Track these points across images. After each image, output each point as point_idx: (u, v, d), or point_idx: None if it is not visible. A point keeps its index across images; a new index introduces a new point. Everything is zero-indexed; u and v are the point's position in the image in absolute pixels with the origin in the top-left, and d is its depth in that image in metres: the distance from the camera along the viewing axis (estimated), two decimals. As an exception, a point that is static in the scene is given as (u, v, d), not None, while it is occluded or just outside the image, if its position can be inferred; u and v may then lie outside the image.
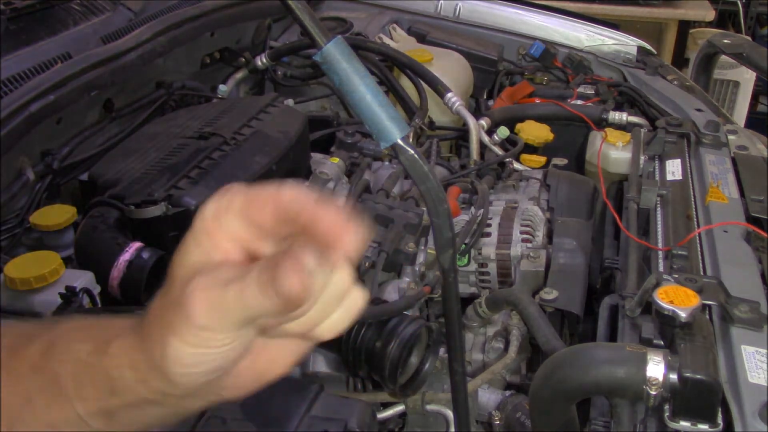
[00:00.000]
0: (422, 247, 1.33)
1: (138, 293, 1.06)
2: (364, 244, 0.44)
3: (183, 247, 0.48)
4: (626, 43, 2.08)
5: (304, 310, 0.45)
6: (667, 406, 0.78)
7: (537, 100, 1.95)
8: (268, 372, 0.52)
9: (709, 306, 0.94)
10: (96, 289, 1.04)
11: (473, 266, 1.36)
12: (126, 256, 1.06)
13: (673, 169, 1.38)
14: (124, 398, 0.49)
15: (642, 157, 1.49)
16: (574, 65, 2.09)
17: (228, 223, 0.46)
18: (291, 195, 0.44)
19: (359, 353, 1.04)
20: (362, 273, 1.20)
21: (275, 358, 0.52)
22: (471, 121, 1.68)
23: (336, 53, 0.42)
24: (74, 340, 0.52)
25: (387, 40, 2.05)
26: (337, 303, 0.48)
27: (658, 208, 1.26)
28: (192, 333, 0.44)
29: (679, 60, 3.30)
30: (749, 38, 3.37)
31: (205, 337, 0.45)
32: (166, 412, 0.51)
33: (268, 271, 0.42)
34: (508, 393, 1.14)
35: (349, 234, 0.43)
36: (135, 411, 0.50)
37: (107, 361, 0.49)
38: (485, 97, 2.11)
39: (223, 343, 0.45)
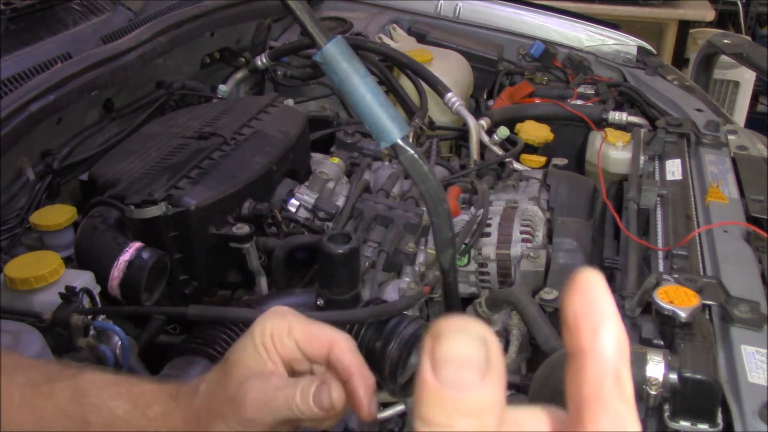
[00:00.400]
0: (422, 247, 1.33)
1: (138, 293, 1.06)
2: (374, 414, 0.58)
3: (241, 349, 0.59)
4: (626, 43, 2.08)
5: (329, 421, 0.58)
6: (667, 406, 0.79)
7: (537, 100, 1.95)
8: None
9: (709, 306, 0.94)
10: (96, 289, 1.04)
11: (473, 266, 1.36)
12: (126, 256, 1.06)
13: (673, 169, 1.38)
14: None
15: (642, 157, 1.49)
16: (574, 65, 2.09)
17: (286, 346, 0.58)
18: (344, 350, 0.58)
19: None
20: (362, 273, 1.20)
21: None
22: (471, 121, 1.68)
23: (336, 53, 0.42)
24: (110, 396, 0.59)
25: (387, 40, 2.05)
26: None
27: (658, 208, 1.26)
28: (239, 422, 0.55)
29: (679, 60, 3.30)
30: (749, 38, 3.37)
31: (247, 426, 0.56)
32: None
33: (313, 387, 0.55)
34: (508, 393, 1.14)
35: (370, 404, 0.58)
36: None
37: (145, 423, 0.58)
38: (485, 97, 2.11)
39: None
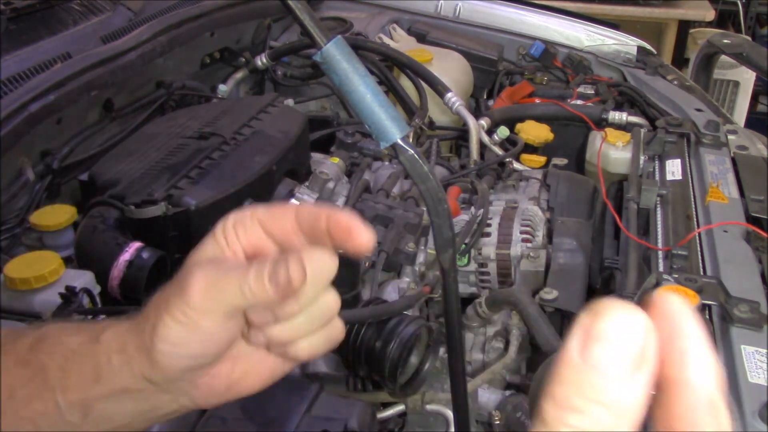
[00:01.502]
0: (422, 247, 1.33)
1: (138, 293, 1.06)
2: (374, 241, 0.49)
3: (199, 245, 0.52)
4: (626, 43, 2.08)
5: (291, 312, 0.49)
6: (667, 406, 0.78)
7: (537, 100, 1.95)
8: (241, 384, 0.54)
9: (709, 306, 0.94)
10: (96, 289, 1.04)
11: (473, 266, 1.36)
12: (126, 256, 1.06)
13: (673, 169, 1.38)
14: (105, 387, 0.51)
15: (642, 157, 1.49)
16: (574, 65, 2.09)
17: (247, 228, 0.51)
18: (308, 208, 0.50)
19: (359, 353, 1.04)
20: (362, 273, 1.20)
21: (251, 371, 0.54)
22: (471, 121, 1.68)
23: (336, 53, 0.42)
24: (65, 333, 0.54)
25: (387, 40, 2.05)
26: (321, 323, 0.52)
27: (658, 208, 1.26)
28: (184, 311, 0.48)
29: (679, 60, 3.29)
30: (749, 38, 3.37)
31: (195, 317, 0.48)
32: (141, 407, 0.53)
33: (269, 265, 0.47)
34: (508, 393, 1.14)
35: (362, 231, 0.48)
36: (113, 404, 0.52)
37: (97, 347, 0.52)
38: (485, 97, 2.11)
39: (211, 328, 0.48)
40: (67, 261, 1.08)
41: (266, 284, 0.47)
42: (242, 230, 0.51)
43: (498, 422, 1.08)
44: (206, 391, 0.53)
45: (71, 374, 0.52)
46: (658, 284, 0.92)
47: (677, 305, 0.28)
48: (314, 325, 0.52)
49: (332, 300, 0.52)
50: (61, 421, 0.52)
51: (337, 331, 0.54)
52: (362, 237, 0.48)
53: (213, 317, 0.48)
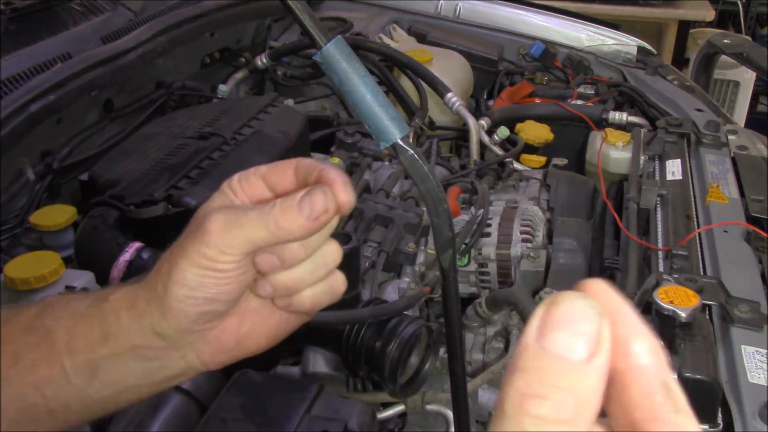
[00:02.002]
0: (422, 247, 1.33)
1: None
2: (355, 201, 0.51)
3: (208, 201, 0.54)
4: (626, 43, 2.08)
5: (298, 256, 0.52)
6: (667, 406, 0.78)
7: (537, 100, 1.95)
8: (248, 340, 0.55)
9: (709, 306, 0.94)
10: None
11: (473, 266, 1.36)
12: (126, 256, 1.06)
13: (673, 169, 1.38)
14: (113, 346, 0.52)
15: (642, 157, 1.49)
16: (574, 65, 2.09)
17: (251, 183, 0.54)
18: (306, 161, 0.53)
19: (359, 353, 1.04)
20: (362, 273, 1.20)
21: (258, 327, 0.56)
22: (471, 121, 1.68)
23: (336, 53, 0.42)
24: (73, 299, 0.55)
25: (387, 40, 2.05)
26: (325, 272, 0.55)
27: (658, 208, 1.26)
28: (203, 252, 0.49)
29: (679, 60, 3.30)
30: (749, 38, 3.37)
31: (213, 256, 0.49)
32: (148, 366, 0.53)
33: (299, 195, 0.49)
34: (508, 393, 1.14)
35: (345, 188, 0.50)
36: (120, 363, 0.52)
37: (106, 306, 0.53)
38: (485, 97, 2.11)
39: (228, 267, 0.50)
40: (67, 261, 1.08)
41: (296, 214, 0.48)
42: (247, 184, 0.54)
43: (498, 422, 1.08)
44: (215, 347, 0.54)
45: (78, 336, 0.52)
46: (658, 284, 0.92)
47: (607, 294, 0.28)
48: (318, 274, 0.54)
49: (335, 249, 0.55)
50: (67, 386, 0.52)
51: (338, 282, 0.57)
52: (343, 193, 0.50)
53: (231, 256, 0.49)
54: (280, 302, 0.55)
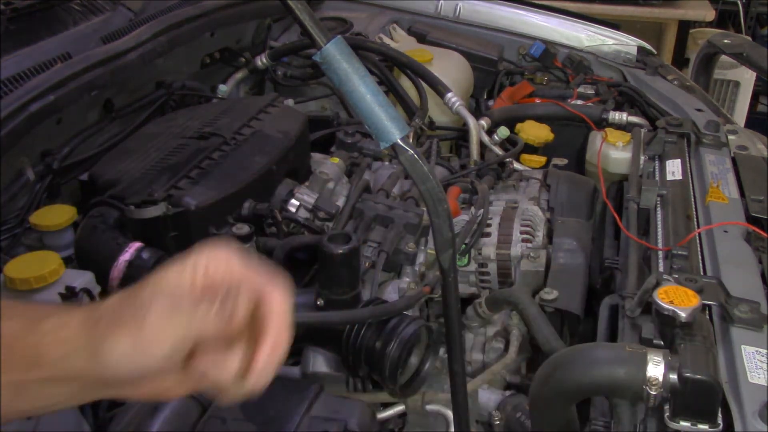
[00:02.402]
0: (422, 247, 1.33)
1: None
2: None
3: (165, 271, 0.55)
4: (626, 43, 2.08)
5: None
6: (667, 406, 0.78)
7: (537, 100, 1.95)
8: (162, 395, 0.59)
9: (709, 306, 0.94)
10: (96, 289, 1.04)
11: (473, 266, 1.36)
12: (126, 256, 1.06)
13: (673, 169, 1.38)
14: (43, 372, 0.54)
15: (642, 157, 1.49)
16: (574, 65, 2.09)
17: (216, 269, 0.55)
18: (272, 311, 0.56)
19: (359, 353, 1.04)
20: (362, 273, 1.20)
21: (172, 388, 0.59)
22: (471, 121, 1.68)
23: (336, 53, 0.42)
24: (6, 316, 0.56)
25: (387, 40, 2.05)
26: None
27: (658, 208, 1.26)
28: (138, 336, 0.52)
29: (679, 60, 3.29)
30: (749, 38, 3.37)
31: (146, 345, 0.52)
32: (74, 392, 0.56)
33: (217, 301, 0.53)
34: (508, 393, 1.14)
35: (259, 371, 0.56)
36: (48, 387, 0.55)
37: (38, 332, 0.55)
38: (485, 97, 2.11)
39: (158, 354, 0.53)
40: (67, 261, 1.08)
41: (214, 316, 0.53)
42: (212, 266, 0.55)
43: (498, 422, 1.08)
44: (131, 391, 0.58)
45: (14, 353, 0.54)
46: (658, 284, 0.92)
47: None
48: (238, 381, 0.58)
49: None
50: None
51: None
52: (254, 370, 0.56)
53: (162, 346, 0.53)
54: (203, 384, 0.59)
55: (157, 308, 0.53)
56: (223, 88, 1.81)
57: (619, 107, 1.84)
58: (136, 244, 1.08)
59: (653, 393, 0.77)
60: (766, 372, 0.82)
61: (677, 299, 0.86)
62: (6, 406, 0.54)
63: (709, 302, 0.93)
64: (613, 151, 1.63)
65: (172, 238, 1.14)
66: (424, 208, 1.33)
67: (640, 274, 1.11)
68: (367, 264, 1.21)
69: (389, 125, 0.43)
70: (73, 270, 1.06)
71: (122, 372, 0.54)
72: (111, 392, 0.58)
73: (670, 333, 0.86)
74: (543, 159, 1.66)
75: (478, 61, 2.05)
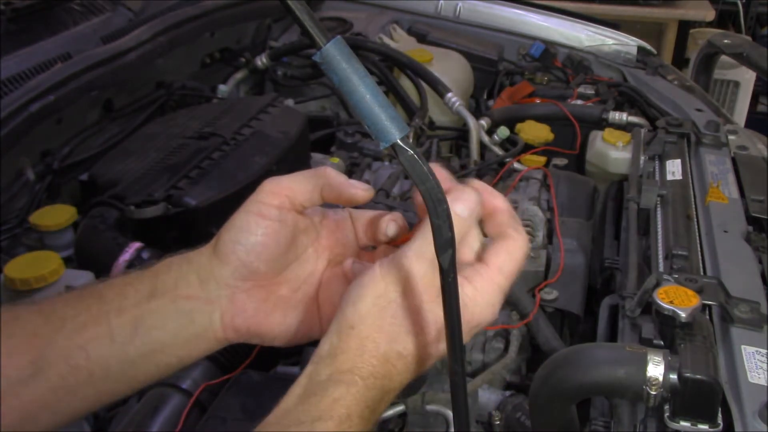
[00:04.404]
0: (422, 247, 1.33)
1: (138, 293, 1.06)
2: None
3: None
4: (626, 43, 2.08)
5: None
6: (667, 406, 0.78)
7: (537, 100, 1.94)
8: (265, 325, 0.61)
9: (709, 306, 0.94)
10: (96, 289, 1.04)
11: (473, 266, 1.36)
12: (126, 256, 1.06)
13: (673, 169, 1.38)
14: (158, 299, 0.58)
15: (642, 157, 1.49)
16: (574, 65, 2.09)
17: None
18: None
19: (359, 353, 1.03)
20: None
21: (279, 316, 0.61)
22: (471, 121, 1.68)
23: (335, 53, 0.42)
24: (124, 273, 0.62)
25: (387, 40, 2.05)
26: None
27: (658, 208, 1.26)
28: (253, 199, 0.61)
29: (679, 60, 3.29)
30: (749, 38, 3.37)
31: (260, 200, 0.60)
32: (182, 321, 0.59)
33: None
34: (508, 393, 1.14)
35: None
36: (159, 318, 0.58)
37: (159, 264, 0.60)
38: (485, 97, 2.11)
39: (271, 213, 0.59)
40: (67, 261, 1.08)
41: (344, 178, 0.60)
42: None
43: (498, 422, 1.08)
44: (237, 311, 0.60)
45: (128, 294, 0.58)
46: (658, 284, 0.92)
47: (486, 188, 0.59)
48: None
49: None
50: (111, 345, 0.56)
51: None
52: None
53: (277, 201, 0.59)
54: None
55: (269, 179, 0.62)
56: (223, 88, 1.81)
57: (619, 107, 1.84)
58: (136, 244, 1.08)
59: (653, 393, 0.77)
60: (766, 372, 0.82)
61: (677, 299, 0.86)
62: (125, 350, 0.57)
63: (709, 302, 0.93)
64: (613, 151, 1.63)
65: (172, 238, 1.14)
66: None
67: (640, 274, 1.11)
68: (367, 264, 1.21)
69: (389, 125, 0.43)
70: (73, 270, 1.06)
71: (242, 249, 0.59)
72: (216, 314, 0.60)
73: (670, 333, 0.86)
74: (543, 159, 1.66)
75: (478, 61, 2.05)
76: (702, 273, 1.05)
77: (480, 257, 0.58)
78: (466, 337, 0.54)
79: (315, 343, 0.55)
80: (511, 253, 0.58)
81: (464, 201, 0.56)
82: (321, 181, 0.60)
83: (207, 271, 0.59)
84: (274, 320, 0.61)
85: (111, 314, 0.57)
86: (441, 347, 0.54)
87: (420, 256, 0.53)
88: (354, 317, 0.52)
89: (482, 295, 0.55)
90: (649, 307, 0.94)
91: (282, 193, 0.60)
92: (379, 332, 0.52)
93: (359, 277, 0.55)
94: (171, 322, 0.58)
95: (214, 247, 0.60)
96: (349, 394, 0.49)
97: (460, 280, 0.52)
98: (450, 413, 1.04)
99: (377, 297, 0.53)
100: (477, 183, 0.59)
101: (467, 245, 0.58)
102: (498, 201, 0.59)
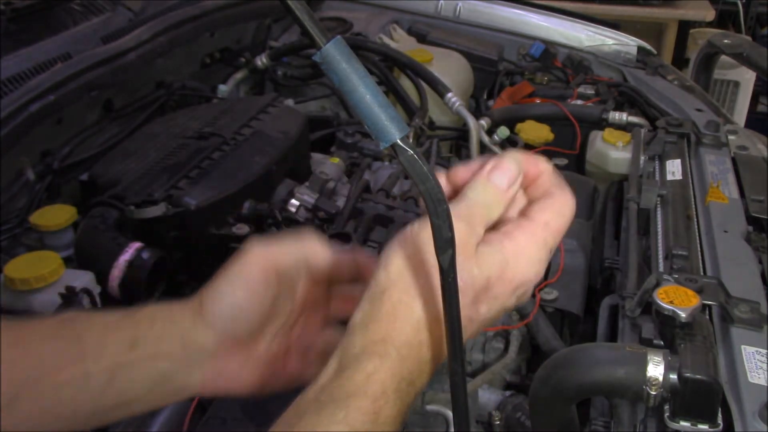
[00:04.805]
0: (422, 247, 1.33)
1: (138, 294, 1.06)
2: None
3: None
4: (626, 43, 2.08)
5: None
6: (667, 406, 0.78)
7: (537, 100, 1.94)
8: (238, 383, 0.62)
9: (709, 306, 0.94)
10: (96, 290, 1.04)
11: (473, 266, 1.36)
12: (126, 256, 1.06)
13: (673, 169, 1.38)
14: (139, 352, 0.57)
15: (642, 157, 1.49)
16: (574, 65, 2.09)
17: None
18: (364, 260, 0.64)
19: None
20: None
21: (249, 374, 0.62)
22: (471, 121, 1.68)
23: (335, 53, 0.42)
24: (99, 313, 0.63)
25: (387, 40, 2.05)
26: None
27: (658, 208, 1.26)
28: (233, 269, 0.59)
29: (679, 60, 3.29)
30: (749, 38, 3.37)
31: (241, 271, 0.59)
32: (160, 379, 0.58)
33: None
34: (508, 393, 1.14)
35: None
36: (137, 372, 0.57)
37: (140, 314, 0.59)
38: (485, 97, 2.11)
39: (255, 280, 0.59)
40: (67, 261, 1.08)
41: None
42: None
43: (498, 422, 1.08)
44: (216, 373, 0.60)
45: (108, 342, 0.56)
46: (658, 284, 0.92)
47: (527, 156, 0.57)
48: None
49: None
50: (85, 388, 0.55)
51: None
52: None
53: (256, 273, 0.58)
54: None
55: (252, 242, 0.61)
56: (223, 88, 1.81)
57: (619, 107, 1.84)
58: (136, 244, 1.08)
59: (653, 393, 0.77)
60: (766, 372, 0.82)
61: (677, 299, 0.86)
62: (98, 399, 0.56)
63: (709, 302, 0.93)
64: (613, 151, 1.63)
65: (172, 238, 1.14)
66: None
67: (640, 274, 1.11)
68: (367, 264, 1.21)
69: (389, 125, 0.43)
70: (73, 270, 1.06)
71: (226, 314, 0.60)
72: (196, 377, 0.61)
73: (670, 333, 0.86)
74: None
75: (478, 61, 2.05)
76: (702, 273, 1.05)
77: (524, 213, 0.55)
78: (512, 299, 0.52)
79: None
80: (557, 209, 0.55)
81: (502, 169, 0.53)
82: (304, 257, 0.61)
83: (191, 336, 0.58)
84: (248, 378, 0.61)
85: (88, 359, 0.56)
86: (482, 310, 0.51)
87: (456, 215, 0.48)
88: (386, 280, 0.50)
89: (524, 250, 0.52)
90: (649, 307, 0.94)
91: (268, 258, 0.59)
92: (412, 296, 0.49)
93: (392, 239, 0.52)
94: (149, 379, 0.57)
95: (199, 312, 0.58)
96: (383, 367, 0.47)
97: (499, 236, 0.52)
98: (450, 413, 1.04)
99: (409, 257, 0.50)
100: (516, 153, 0.56)
101: (511, 208, 0.56)
102: (541, 165, 0.56)
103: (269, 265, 0.59)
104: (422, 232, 0.50)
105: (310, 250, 0.61)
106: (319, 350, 0.62)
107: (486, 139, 1.68)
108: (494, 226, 0.54)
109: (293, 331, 0.64)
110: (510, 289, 0.51)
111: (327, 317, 0.65)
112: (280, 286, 0.60)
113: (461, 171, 0.56)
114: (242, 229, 1.16)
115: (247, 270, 0.58)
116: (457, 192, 0.54)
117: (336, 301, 0.64)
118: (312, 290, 0.63)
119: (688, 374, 0.77)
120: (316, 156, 1.52)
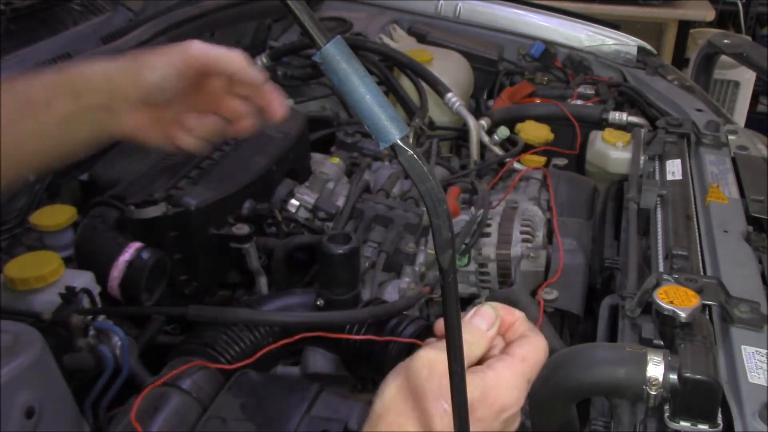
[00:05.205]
0: (422, 247, 1.33)
1: (138, 293, 1.06)
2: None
3: None
4: (626, 43, 2.08)
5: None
6: (667, 406, 0.78)
7: (537, 100, 1.94)
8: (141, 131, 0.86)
9: (709, 306, 0.94)
10: (96, 290, 1.04)
11: (473, 266, 1.36)
12: (126, 256, 1.06)
13: (673, 169, 1.38)
14: (81, 102, 0.78)
15: (642, 157, 1.49)
16: (574, 65, 2.09)
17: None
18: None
19: (359, 353, 1.04)
20: (362, 273, 1.20)
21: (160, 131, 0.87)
22: (471, 121, 1.68)
23: (335, 53, 0.42)
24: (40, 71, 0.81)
25: (387, 40, 2.05)
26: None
27: (658, 208, 1.26)
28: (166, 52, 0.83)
29: (679, 60, 3.30)
30: (749, 38, 3.37)
31: (172, 58, 0.82)
32: (93, 130, 0.82)
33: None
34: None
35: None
36: (77, 121, 0.79)
37: (79, 70, 0.80)
38: (485, 97, 2.11)
39: (175, 69, 0.83)
40: (67, 261, 1.08)
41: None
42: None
43: (498, 422, 1.08)
44: (137, 124, 0.84)
45: (55, 97, 0.77)
46: (658, 284, 0.92)
47: (505, 308, 0.65)
48: None
49: None
50: (38, 137, 0.78)
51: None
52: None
53: (184, 62, 0.82)
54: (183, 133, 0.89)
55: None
56: (223, 88, 1.80)
57: (619, 107, 1.84)
58: (136, 244, 1.08)
59: (653, 393, 0.77)
60: (766, 372, 0.82)
61: (677, 299, 0.86)
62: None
63: (709, 302, 0.93)
64: (613, 151, 1.63)
65: (172, 238, 1.14)
66: (424, 208, 1.33)
67: (640, 274, 1.11)
68: (367, 264, 1.21)
69: (389, 125, 0.43)
70: (73, 270, 1.06)
71: (152, 83, 0.80)
72: (118, 119, 0.81)
73: (670, 333, 0.86)
74: (543, 159, 1.66)
75: (478, 61, 2.05)
76: (702, 273, 1.05)
77: (503, 351, 0.62)
78: (497, 424, 0.57)
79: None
80: (533, 346, 0.61)
81: (482, 314, 0.62)
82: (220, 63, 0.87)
83: (128, 92, 0.81)
84: (155, 133, 0.87)
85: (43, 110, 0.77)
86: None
87: (440, 349, 0.54)
88: (381, 407, 0.58)
89: (505, 378, 0.58)
90: (649, 307, 0.94)
91: (199, 59, 0.83)
92: (406, 419, 0.56)
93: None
94: (85, 131, 0.81)
95: (136, 75, 0.81)
96: None
97: (482, 368, 0.59)
98: (450, 413, 1.04)
99: (400, 386, 0.58)
100: (492, 302, 0.64)
101: (491, 351, 0.63)
102: (516, 312, 0.65)
103: (194, 62, 0.82)
104: (412, 362, 0.57)
105: (229, 62, 0.87)
106: (197, 132, 0.88)
107: (486, 139, 1.68)
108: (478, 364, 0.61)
109: (187, 113, 0.88)
110: (493, 413, 0.57)
111: (208, 109, 0.89)
112: (194, 78, 0.83)
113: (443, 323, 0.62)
114: (242, 229, 1.16)
115: (179, 58, 0.81)
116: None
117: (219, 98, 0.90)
118: (209, 89, 0.87)
119: (688, 374, 0.77)
120: (316, 156, 1.52)
